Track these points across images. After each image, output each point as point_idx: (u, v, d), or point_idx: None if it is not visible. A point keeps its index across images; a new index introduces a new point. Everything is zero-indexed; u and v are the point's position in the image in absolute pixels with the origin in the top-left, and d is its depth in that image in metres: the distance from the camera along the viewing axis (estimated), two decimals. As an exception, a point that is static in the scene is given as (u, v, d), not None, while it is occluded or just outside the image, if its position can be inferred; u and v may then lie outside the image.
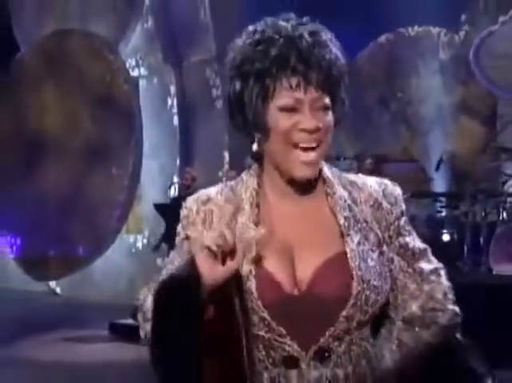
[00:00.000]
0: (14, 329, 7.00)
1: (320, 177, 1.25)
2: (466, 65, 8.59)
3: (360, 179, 1.30)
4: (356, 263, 1.19)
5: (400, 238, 1.26)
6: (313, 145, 1.18)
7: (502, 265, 5.57)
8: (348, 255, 1.19)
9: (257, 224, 1.22)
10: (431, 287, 1.24)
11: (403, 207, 1.28)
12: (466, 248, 5.86)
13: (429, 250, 1.30)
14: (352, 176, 1.30)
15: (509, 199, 5.98)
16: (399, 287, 1.24)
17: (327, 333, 1.18)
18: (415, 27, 9.61)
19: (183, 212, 1.29)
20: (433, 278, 1.25)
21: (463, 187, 6.64)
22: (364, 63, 9.80)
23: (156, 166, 8.89)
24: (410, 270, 1.25)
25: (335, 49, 1.20)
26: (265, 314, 1.18)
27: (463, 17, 9.25)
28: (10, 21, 9.70)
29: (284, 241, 1.22)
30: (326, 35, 1.21)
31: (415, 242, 1.28)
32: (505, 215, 5.86)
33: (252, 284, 1.18)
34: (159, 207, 7.22)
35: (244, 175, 1.28)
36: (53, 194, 9.15)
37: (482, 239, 5.79)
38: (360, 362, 1.22)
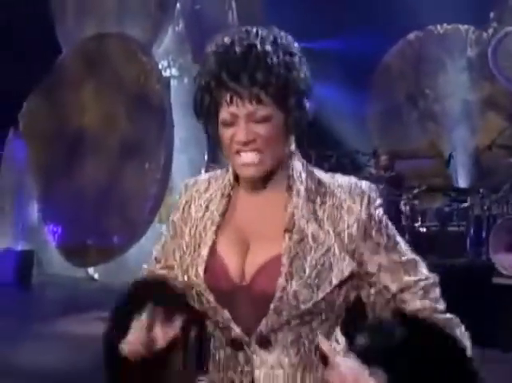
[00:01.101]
0: (57, 309, 7.54)
1: (280, 174, 1.28)
2: (494, 62, 8.51)
3: (334, 179, 1.30)
4: (286, 260, 1.22)
5: (367, 242, 1.24)
6: (251, 154, 1.25)
7: (500, 255, 5.89)
8: (282, 252, 1.23)
9: (223, 214, 1.29)
10: (409, 266, 1.25)
11: (373, 207, 1.26)
12: (468, 239, 6.16)
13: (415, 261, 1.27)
14: (325, 176, 1.31)
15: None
16: (374, 281, 1.24)
17: (262, 323, 1.23)
18: (444, 25, 9.72)
19: (177, 197, 1.39)
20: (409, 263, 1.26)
21: (489, 182, 6.83)
22: (393, 60, 9.96)
23: (186, 160, 9.27)
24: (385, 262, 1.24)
25: (278, 59, 1.19)
26: (211, 297, 1.25)
27: (492, 14, 9.32)
28: (54, 24, 10.23)
29: (241, 232, 1.28)
30: (269, 45, 1.20)
31: (396, 248, 1.26)
32: (505, 208, 6.14)
33: (201, 269, 1.26)
34: None
35: (227, 167, 1.35)
36: (91, 187, 9.59)
37: (484, 231, 6.09)
38: (308, 354, 1.24)
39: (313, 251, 1.23)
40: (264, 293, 1.23)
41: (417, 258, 1.27)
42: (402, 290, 1.23)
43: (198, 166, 9.07)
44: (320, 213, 1.25)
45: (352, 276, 1.25)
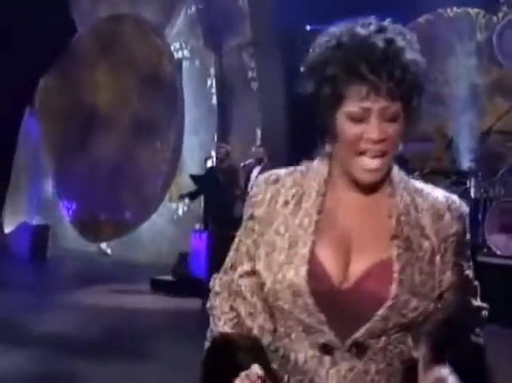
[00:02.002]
0: (72, 281, 7.87)
1: (387, 178, 1.22)
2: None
3: (428, 188, 1.26)
4: (399, 267, 1.17)
5: (457, 259, 1.23)
6: (378, 154, 1.16)
7: (494, 235, 6.15)
8: (393, 258, 1.18)
9: (319, 212, 1.22)
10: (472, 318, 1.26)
11: (467, 227, 1.24)
12: None
13: (478, 288, 1.28)
14: (419, 184, 1.27)
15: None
16: (443, 305, 1.22)
17: (362, 329, 1.18)
18: (454, 8, 9.63)
19: (252, 191, 1.29)
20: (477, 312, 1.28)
21: (491, 165, 6.98)
22: None
23: (196, 141, 9.47)
24: (459, 296, 1.24)
25: (411, 56, 1.15)
26: (310, 300, 1.19)
27: None
28: (70, 5, 10.46)
29: (343, 233, 1.21)
30: (403, 41, 1.16)
31: (470, 271, 1.26)
32: (502, 191, 6.37)
33: (303, 270, 1.19)
34: (194, 178, 7.80)
35: (316, 163, 1.26)
36: (104, 164, 9.85)
37: (480, 213, 6.33)
38: (394, 361, 1.22)
39: (419, 260, 1.20)
40: (371, 298, 1.18)
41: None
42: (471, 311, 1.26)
43: (208, 147, 9.29)
44: (422, 221, 1.21)
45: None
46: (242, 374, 1.16)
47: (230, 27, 9.20)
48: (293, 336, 1.23)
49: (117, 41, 9.78)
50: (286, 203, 1.24)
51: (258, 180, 1.29)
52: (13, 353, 4.89)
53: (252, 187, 1.29)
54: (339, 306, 1.19)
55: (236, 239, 1.30)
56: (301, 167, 1.28)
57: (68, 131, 10.26)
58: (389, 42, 1.14)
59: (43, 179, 11.02)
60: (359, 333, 1.18)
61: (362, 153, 1.16)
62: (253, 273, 1.26)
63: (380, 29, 1.16)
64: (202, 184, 7.45)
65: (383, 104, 1.14)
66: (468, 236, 1.25)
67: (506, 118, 7.58)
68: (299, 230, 1.22)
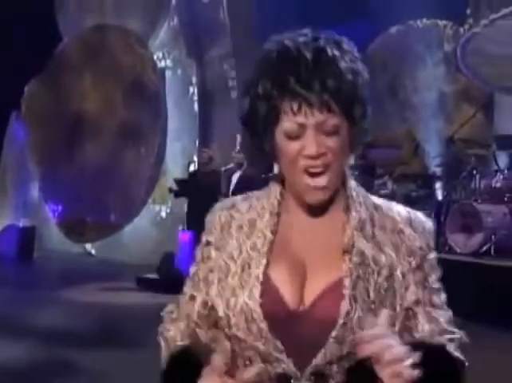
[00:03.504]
0: (59, 280, 8.12)
1: (340, 194, 1.17)
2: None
3: (388, 204, 1.21)
4: (349, 283, 1.11)
5: (422, 274, 1.15)
6: (320, 170, 1.10)
7: (454, 235, 6.61)
8: (343, 274, 1.12)
9: (273, 232, 1.17)
10: (439, 314, 1.15)
11: (431, 243, 1.18)
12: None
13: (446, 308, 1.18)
14: (379, 200, 1.21)
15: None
16: (409, 317, 1.14)
17: (319, 355, 1.10)
18: (424, 20, 10.01)
19: (208, 217, 1.22)
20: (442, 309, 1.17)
21: (456, 170, 7.33)
22: (375, 52, 10.20)
23: (179, 146, 9.80)
24: (426, 304, 1.15)
25: (346, 64, 1.09)
26: (264, 325, 1.11)
27: (468, 10, 9.61)
28: (55, 13, 10.76)
29: (297, 254, 1.16)
30: (336, 50, 1.10)
31: (437, 285, 1.17)
32: (463, 194, 6.86)
33: (257, 291, 1.13)
34: (177, 181, 8.12)
35: (271, 184, 1.21)
36: (90, 168, 10.13)
37: (443, 214, 6.78)
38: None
39: (375, 274, 1.13)
40: (325, 320, 1.10)
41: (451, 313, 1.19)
42: (436, 333, 1.15)
43: (190, 152, 9.62)
44: (380, 236, 1.15)
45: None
46: (206, 371, 1.05)
47: (212, 38, 9.57)
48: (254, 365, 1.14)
49: (103, 50, 10.09)
50: (240, 227, 1.19)
51: (214, 207, 1.23)
52: (1, 346, 5.05)
53: (209, 214, 1.22)
54: (295, 331, 1.12)
55: (194, 268, 1.23)
56: (258, 193, 1.23)
57: (54, 136, 10.50)
58: (319, 52, 1.09)
59: (29, 183, 11.25)
60: (317, 360, 1.11)
61: (305, 171, 1.11)
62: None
63: (311, 40, 1.11)
64: (186, 188, 7.75)
65: (318, 118, 1.09)
66: (433, 252, 1.18)
67: (468, 126, 8.06)
68: (252, 252, 1.16)
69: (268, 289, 1.13)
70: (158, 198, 9.82)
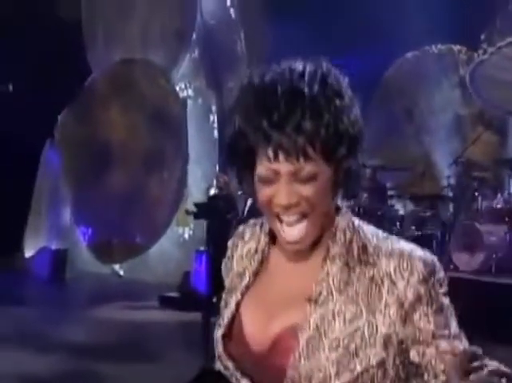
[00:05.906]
0: (89, 299, 8.47)
1: (330, 236, 1.08)
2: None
3: (385, 244, 1.07)
4: (304, 335, 1.04)
5: (411, 328, 1.03)
6: (295, 219, 1.03)
7: (458, 254, 6.84)
8: (299, 325, 1.04)
9: (255, 273, 1.13)
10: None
11: (422, 289, 1.02)
12: (435, 241, 7.11)
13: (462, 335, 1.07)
14: (374, 239, 1.08)
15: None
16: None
17: None
18: (439, 45, 10.36)
19: (229, 243, 1.22)
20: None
21: (464, 192, 7.32)
22: (392, 77, 10.56)
23: (200, 171, 10.20)
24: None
25: (326, 102, 0.98)
26: (229, 363, 1.09)
27: (483, 36, 9.89)
28: (85, 49, 11.34)
29: (268, 295, 1.11)
30: (317, 86, 0.98)
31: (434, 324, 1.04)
32: (467, 214, 7.13)
33: (222, 330, 1.12)
34: (197, 205, 8.36)
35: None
36: (117, 193, 10.58)
37: (447, 234, 7.04)
38: None
39: (337, 329, 1.03)
40: (278, 367, 1.05)
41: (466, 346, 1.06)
42: None
43: (211, 177, 9.83)
44: (355, 286, 1.05)
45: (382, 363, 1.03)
46: None
47: (230, 69, 10.01)
48: None
49: (129, 83, 10.61)
50: (240, 258, 1.17)
51: (237, 229, 1.21)
52: (37, 359, 5.46)
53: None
54: (255, 371, 1.08)
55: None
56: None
57: (84, 162, 10.98)
58: (295, 91, 0.98)
59: (61, 207, 11.66)
60: None
61: (278, 218, 1.04)
62: None
63: (287, 76, 0.99)
64: (204, 211, 8.08)
65: (293, 166, 0.99)
66: (429, 294, 1.04)
67: (479, 148, 8.30)
68: (233, 290, 1.14)
69: (234, 328, 1.12)
70: (181, 220, 10.16)
